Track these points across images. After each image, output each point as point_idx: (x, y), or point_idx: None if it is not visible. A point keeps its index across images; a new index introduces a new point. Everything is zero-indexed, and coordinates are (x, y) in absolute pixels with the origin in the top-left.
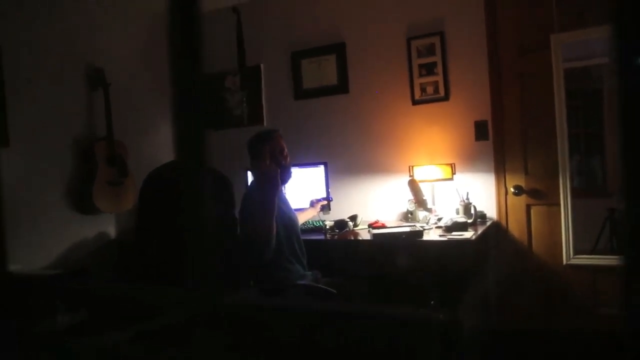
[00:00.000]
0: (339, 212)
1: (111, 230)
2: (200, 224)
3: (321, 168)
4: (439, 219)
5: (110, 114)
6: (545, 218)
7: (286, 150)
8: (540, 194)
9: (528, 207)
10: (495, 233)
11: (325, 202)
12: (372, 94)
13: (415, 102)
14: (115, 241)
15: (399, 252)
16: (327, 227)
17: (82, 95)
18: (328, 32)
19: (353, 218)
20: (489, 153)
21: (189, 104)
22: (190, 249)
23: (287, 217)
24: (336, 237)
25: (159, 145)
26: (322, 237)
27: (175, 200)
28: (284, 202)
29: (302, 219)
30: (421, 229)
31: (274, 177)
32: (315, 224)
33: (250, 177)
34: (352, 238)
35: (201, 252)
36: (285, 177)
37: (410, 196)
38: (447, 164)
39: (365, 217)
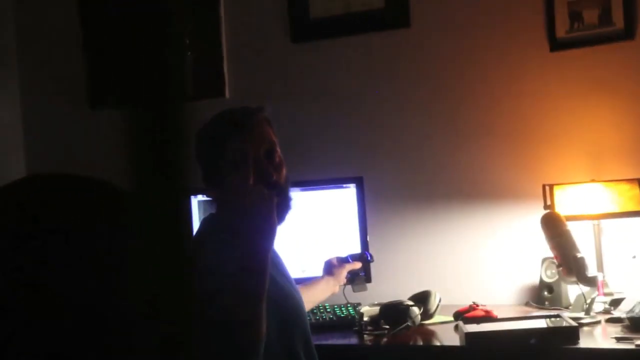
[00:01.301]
0: (390, 285)
1: None
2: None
3: (350, 191)
4: (614, 302)
5: None
6: None
7: (279, 150)
8: None
9: None
10: None
11: (357, 265)
12: (456, 31)
13: (557, 46)
14: None
15: None
16: (366, 318)
17: None
18: None
19: (422, 299)
20: None
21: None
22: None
23: (283, 295)
24: (385, 339)
25: None
26: (354, 340)
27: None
28: (277, 265)
29: (310, 299)
30: (575, 324)
31: (265, 208)
32: (338, 311)
33: (200, 210)
34: (421, 343)
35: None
36: (282, 207)
37: (548, 251)
38: (631, 182)
39: (449, 296)
